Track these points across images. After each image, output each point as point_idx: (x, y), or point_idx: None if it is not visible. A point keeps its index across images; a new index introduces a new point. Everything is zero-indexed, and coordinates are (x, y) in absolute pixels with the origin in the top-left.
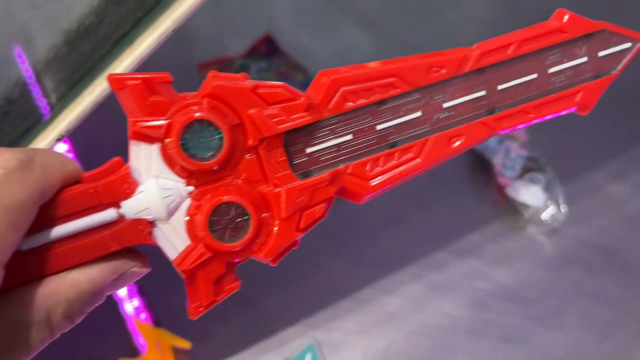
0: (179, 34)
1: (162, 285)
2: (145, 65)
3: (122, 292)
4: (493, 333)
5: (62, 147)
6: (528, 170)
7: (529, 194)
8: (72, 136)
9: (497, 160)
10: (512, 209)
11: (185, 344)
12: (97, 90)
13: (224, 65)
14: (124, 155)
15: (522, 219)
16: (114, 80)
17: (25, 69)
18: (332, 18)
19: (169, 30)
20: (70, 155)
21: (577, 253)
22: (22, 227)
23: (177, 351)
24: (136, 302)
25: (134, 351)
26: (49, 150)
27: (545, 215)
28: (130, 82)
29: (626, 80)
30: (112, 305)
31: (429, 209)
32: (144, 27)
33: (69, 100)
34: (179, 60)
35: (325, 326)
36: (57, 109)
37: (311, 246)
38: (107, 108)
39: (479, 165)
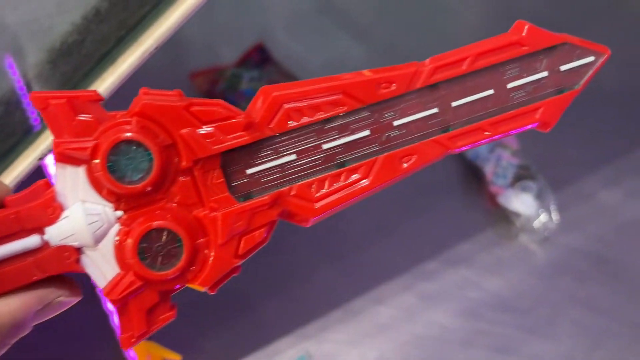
0: (170, 43)
1: None
2: (136, 74)
3: None
4: (485, 343)
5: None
6: (520, 178)
7: (521, 202)
8: None
9: (488, 169)
10: (504, 217)
11: (175, 357)
12: None
13: (216, 74)
14: None
15: (514, 228)
16: (37, 98)
17: (9, 88)
18: (324, 26)
19: (151, 48)
20: None
21: (569, 261)
22: None
23: None
24: None
25: None
26: None
27: (537, 224)
28: (54, 101)
29: (618, 87)
30: (103, 318)
31: (420, 218)
32: (126, 45)
33: None
34: (170, 69)
35: (317, 337)
36: (40, 128)
37: (303, 257)
38: None
39: (470, 173)
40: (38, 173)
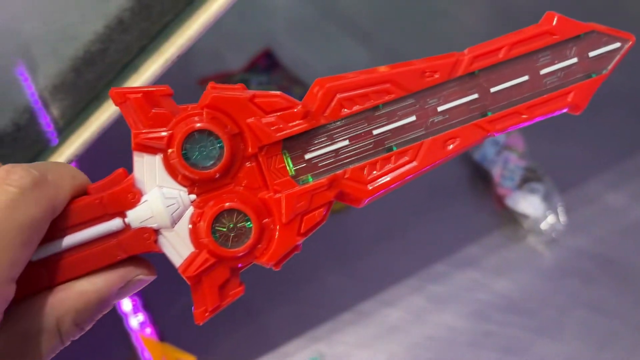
0: None
1: (166, 299)
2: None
3: (127, 307)
4: (493, 344)
5: None
6: (527, 180)
7: (528, 204)
8: (79, 161)
9: (496, 171)
10: (512, 219)
11: (190, 358)
12: (103, 116)
13: (224, 79)
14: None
15: (521, 230)
16: (116, 94)
17: (32, 96)
18: (329, 32)
19: (173, 57)
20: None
21: (575, 263)
22: (34, 243)
23: None
24: (141, 316)
25: None
26: (61, 165)
27: (544, 225)
28: (132, 96)
29: (624, 89)
30: (118, 320)
31: (428, 221)
32: (148, 54)
33: (76, 126)
34: (180, 76)
35: (328, 339)
36: (64, 135)
37: (313, 260)
38: (112, 132)
39: (478, 176)
40: None
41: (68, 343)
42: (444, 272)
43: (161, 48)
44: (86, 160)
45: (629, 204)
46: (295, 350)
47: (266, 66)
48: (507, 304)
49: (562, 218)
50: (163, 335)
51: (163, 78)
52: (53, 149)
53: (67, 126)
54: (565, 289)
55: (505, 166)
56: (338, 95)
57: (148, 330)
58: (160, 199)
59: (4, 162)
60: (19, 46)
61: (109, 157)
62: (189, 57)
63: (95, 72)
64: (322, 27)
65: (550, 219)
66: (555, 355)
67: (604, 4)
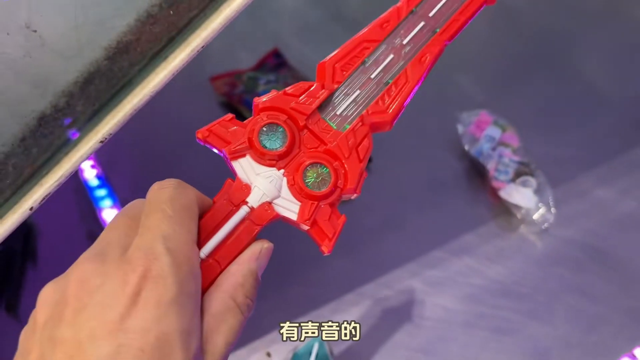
0: None
1: None
2: None
3: None
4: (486, 325)
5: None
6: (520, 174)
7: (521, 196)
8: (106, 144)
9: (491, 165)
10: (506, 210)
11: None
12: (135, 99)
13: (234, 77)
14: (136, 159)
15: (514, 220)
16: (201, 131)
17: (71, 80)
18: (334, 34)
19: (198, 47)
20: (92, 162)
21: (565, 252)
22: (195, 219)
23: None
24: None
25: None
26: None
27: (536, 217)
28: (213, 128)
29: (614, 92)
30: None
31: (427, 211)
32: (176, 44)
33: (110, 108)
34: (193, 73)
35: (331, 318)
36: (99, 116)
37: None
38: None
39: (474, 170)
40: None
41: (248, 315)
42: (441, 258)
43: (188, 39)
44: (107, 147)
45: (617, 198)
46: None
47: (274, 65)
48: (500, 288)
49: (553, 210)
50: None
51: (178, 75)
52: (89, 129)
53: (102, 108)
54: (555, 276)
55: (500, 161)
56: (336, 65)
57: None
58: (263, 180)
59: (47, 140)
60: (59, 36)
61: (132, 143)
62: (202, 56)
63: (127, 60)
64: (328, 29)
65: (542, 210)
66: (544, 337)
67: (605, 6)
